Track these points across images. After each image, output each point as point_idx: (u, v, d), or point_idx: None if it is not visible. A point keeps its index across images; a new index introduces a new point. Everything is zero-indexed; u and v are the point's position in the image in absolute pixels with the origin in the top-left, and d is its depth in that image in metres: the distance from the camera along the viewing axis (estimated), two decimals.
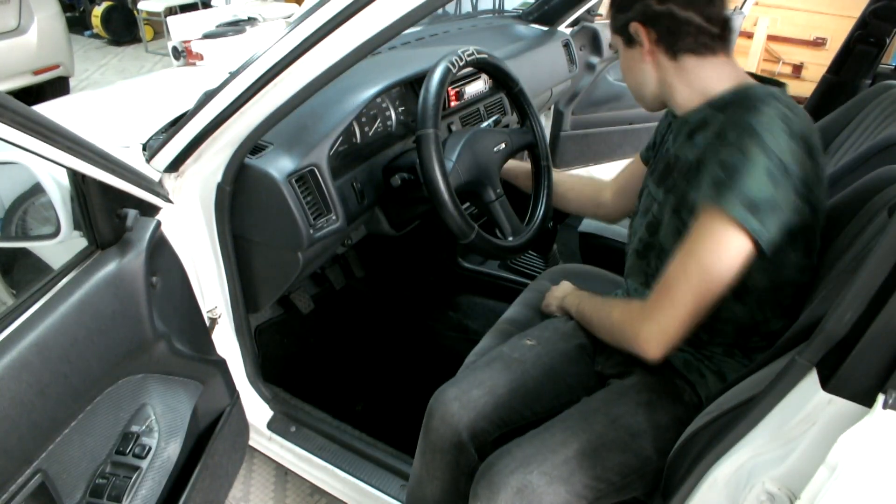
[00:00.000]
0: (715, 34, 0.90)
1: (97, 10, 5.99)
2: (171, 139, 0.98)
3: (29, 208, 1.21)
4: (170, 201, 0.99)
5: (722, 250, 0.82)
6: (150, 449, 0.90)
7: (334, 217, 1.15)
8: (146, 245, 0.88)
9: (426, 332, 1.84)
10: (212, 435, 1.08)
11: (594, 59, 2.34)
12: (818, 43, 4.02)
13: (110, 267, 0.84)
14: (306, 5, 0.82)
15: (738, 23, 2.50)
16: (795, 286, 0.94)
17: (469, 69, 1.44)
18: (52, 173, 0.98)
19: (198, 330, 1.09)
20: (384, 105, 1.34)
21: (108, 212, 0.84)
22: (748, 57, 3.99)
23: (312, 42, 0.82)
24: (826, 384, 0.63)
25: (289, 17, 4.29)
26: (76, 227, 0.98)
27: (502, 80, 1.42)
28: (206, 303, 1.14)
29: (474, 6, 3.60)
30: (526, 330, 1.37)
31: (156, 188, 0.95)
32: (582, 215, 1.43)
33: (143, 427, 0.91)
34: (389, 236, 1.42)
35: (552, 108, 2.42)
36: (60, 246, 1.03)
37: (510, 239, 1.30)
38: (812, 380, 0.65)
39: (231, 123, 0.93)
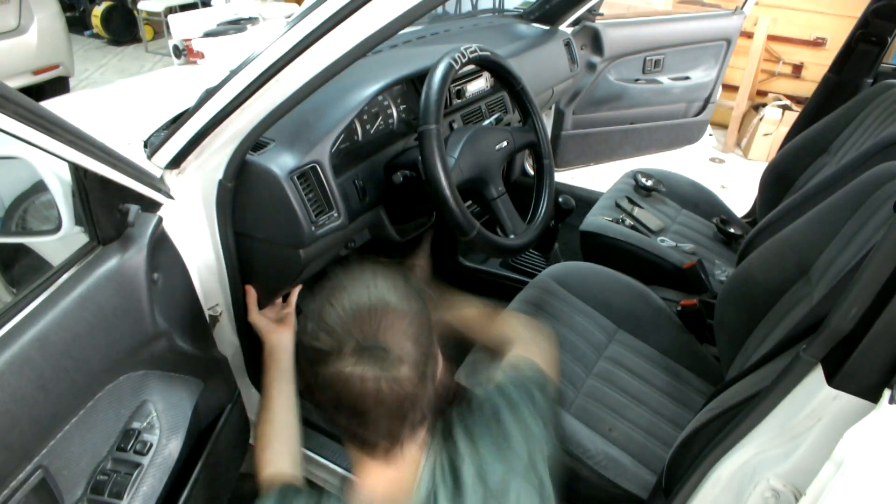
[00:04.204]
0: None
1: (97, 10, 6.00)
2: (172, 136, 0.97)
3: (29, 207, 1.20)
4: (171, 198, 0.99)
5: None
6: (151, 446, 0.89)
7: (336, 214, 1.14)
8: (147, 241, 0.88)
9: None
10: (213, 432, 1.08)
11: (595, 59, 2.34)
12: (818, 43, 4.02)
13: (112, 262, 0.83)
14: (306, 4, 0.82)
15: (739, 23, 2.50)
16: None
17: (471, 67, 1.44)
18: (53, 168, 0.98)
19: (199, 327, 1.08)
20: (386, 102, 1.34)
21: (109, 207, 0.84)
22: (748, 57, 3.99)
23: (313, 39, 0.82)
24: (831, 380, 0.63)
25: (289, 16, 4.29)
26: (77, 222, 0.97)
27: (504, 78, 1.42)
28: (207, 300, 1.14)
29: (474, 5, 3.61)
30: None
31: (157, 184, 0.95)
32: None
33: (145, 424, 0.90)
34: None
35: (553, 107, 2.42)
36: (60, 243, 1.03)
37: (512, 237, 1.30)
38: (817, 375, 0.65)
39: (232, 120, 0.93)
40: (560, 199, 1.80)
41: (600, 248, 1.79)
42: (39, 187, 1.07)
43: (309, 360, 0.69)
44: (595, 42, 2.33)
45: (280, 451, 0.99)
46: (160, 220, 0.93)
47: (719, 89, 2.64)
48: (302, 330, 0.71)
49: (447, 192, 1.14)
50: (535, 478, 0.79)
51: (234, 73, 0.88)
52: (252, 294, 1.19)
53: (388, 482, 0.74)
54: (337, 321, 0.68)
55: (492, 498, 0.73)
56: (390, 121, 1.35)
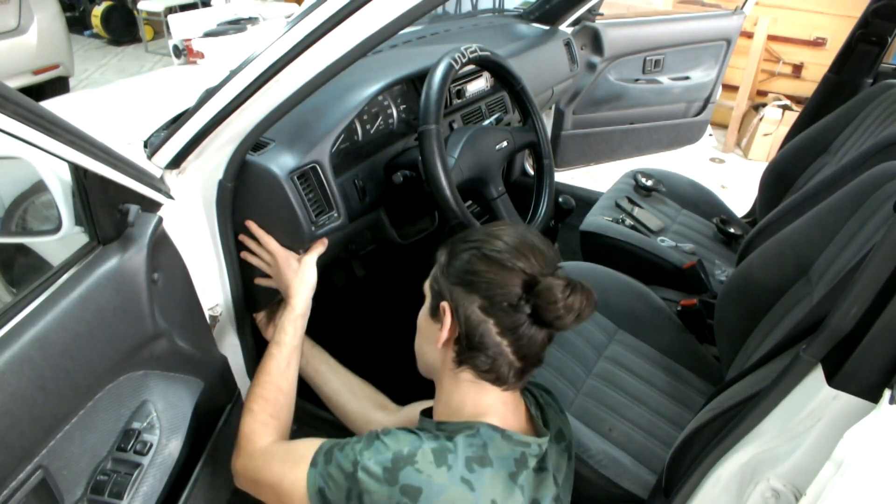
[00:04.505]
0: (517, 369, 0.79)
1: (97, 10, 6.00)
2: (172, 136, 0.97)
3: (29, 207, 1.20)
4: (171, 198, 0.99)
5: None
6: (151, 446, 0.89)
7: (336, 214, 1.14)
8: (148, 241, 0.88)
9: None
10: (213, 432, 1.07)
11: (595, 59, 2.34)
12: (818, 43, 4.02)
13: (112, 262, 0.83)
14: (306, 4, 0.82)
15: (739, 23, 2.50)
16: None
17: (471, 67, 1.44)
18: (53, 168, 0.98)
19: (199, 327, 1.08)
20: (386, 102, 1.34)
21: (109, 207, 0.84)
22: (748, 57, 3.99)
23: (313, 39, 0.82)
24: (831, 380, 0.63)
25: (289, 16, 4.29)
26: (77, 222, 0.97)
27: (504, 78, 1.42)
28: (207, 300, 1.14)
29: (474, 5, 3.61)
30: None
31: (157, 184, 0.95)
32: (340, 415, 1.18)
33: (145, 424, 0.90)
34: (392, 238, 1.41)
35: (553, 107, 2.42)
36: (60, 243, 1.03)
37: None
38: (817, 375, 0.65)
39: (232, 120, 0.93)
40: (560, 199, 1.80)
41: (600, 248, 1.80)
42: (39, 187, 1.07)
43: (508, 280, 0.76)
44: (595, 42, 2.33)
45: (286, 425, 1.02)
46: (160, 220, 0.93)
47: (719, 89, 2.64)
48: (491, 253, 0.78)
49: (447, 192, 1.14)
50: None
51: (234, 73, 0.88)
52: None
53: (507, 408, 0.82)
54: (520, 249, 0.78)
55: (565, 451, 0.87)
56: (390, 121, 1.35)
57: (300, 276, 1.10)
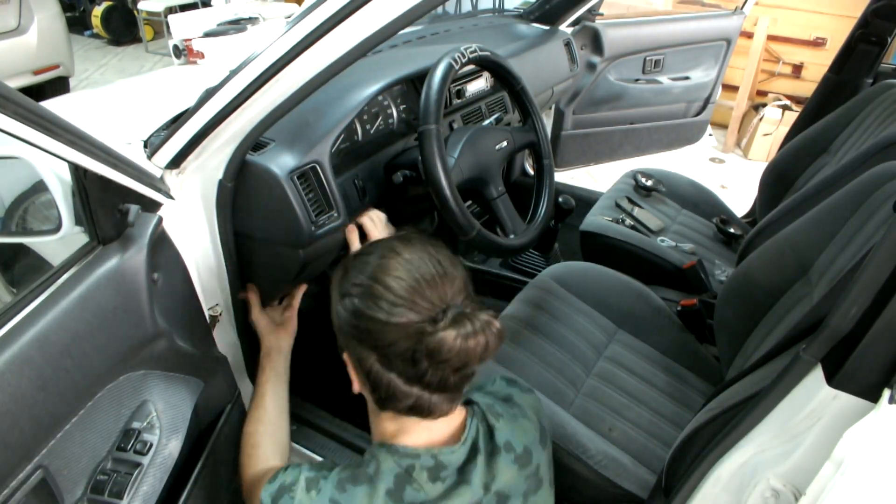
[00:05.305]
0: (440, 399, 0.75)
1: (97, 10, 6.01)
2: (172, 136, 0.97)
3: (29, 207, 1.21)
4: (171, 198, 0.99)
5: None
6: (151, 445, 0.89)
7: (336, 214, 1.14)
8: (148, 241, 0.88)
9: None
10: (213, 432, 1.08)
11: (595, 59, 2.34)
12: (818, 43, 4.02)
13: (112, 262, 0.83)
14: (306, 4, 0.82)
15: (739, 23, 2.50)
16: None
17: (471, 67, 1.44)
18: (53, 168, 0.98)
19: (199, 327, 1.08)
20: (386, 102, 1.34)
21: (109, 207, 0.84)
22: (748, 57, 3.99)
23: (313, 39, 0.82)
24: (831, 379, 0.63)
25: (289, 16, 4.30)
26: (77, 222, 0.97)
27: (504, 78, 1.42)
28: (207, 300, 1.14)
29: (474, 5, 3.61)
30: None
31: (157, 184, 0.95)
32: None
33: (145, 423, 0.90)
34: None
35: (553, 107, 2.42)
36: (60, 243, 1.03)
37: (512, 237, 1.30)
38: (817, 375, 0.65)
39: (232, 120, 0.93)
40: (560, 199, 1.80)
41: (600, 248, 1.80)
42: (39, 187, 1.07)
43: (395, 336, 0.71)
44: (595, 42, 2.33)
45: (270, 451, 1.02)
46: (160, 219, 0.93)
47: (719, 89, 2.64)
48: (371, 307, 0.72)
49: (447, 192, 1.14)
50: (545, 454, 0.87)
51: (234, 73, 0.88)
52: (255, 292, 1.20)
53: (432, 435, 0.78)
54: (410, 292, 0.71)
55: (516, 463, 0.80)
56: (390, 121, 1.35)
57: (287, 332, 1.19)
